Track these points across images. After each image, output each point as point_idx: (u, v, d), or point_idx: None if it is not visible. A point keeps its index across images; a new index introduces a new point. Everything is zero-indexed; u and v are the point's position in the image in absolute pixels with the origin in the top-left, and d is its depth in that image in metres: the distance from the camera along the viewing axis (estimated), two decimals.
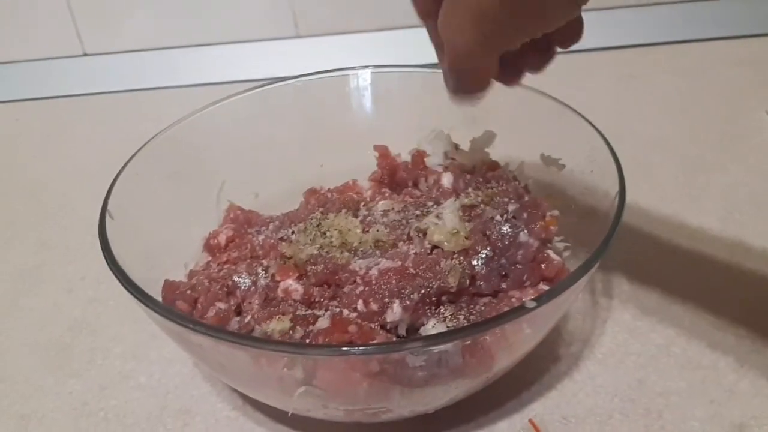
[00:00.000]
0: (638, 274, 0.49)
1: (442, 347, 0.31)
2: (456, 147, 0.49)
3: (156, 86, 0.80)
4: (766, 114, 0.65)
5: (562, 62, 0.83)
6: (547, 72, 0.78)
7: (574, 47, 0.78)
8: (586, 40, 0.86)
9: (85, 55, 0.81)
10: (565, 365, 0.44)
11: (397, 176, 0.49)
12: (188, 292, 0.39)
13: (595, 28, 0.82)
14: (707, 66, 0.75)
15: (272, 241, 0.43)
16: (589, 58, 0.78)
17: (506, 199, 0.39)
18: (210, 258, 0.44)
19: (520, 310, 0.31)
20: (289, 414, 0.36)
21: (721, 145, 0.63)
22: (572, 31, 0.36)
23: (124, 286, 0.34)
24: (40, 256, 0.57)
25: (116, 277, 0.35)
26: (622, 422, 0.40)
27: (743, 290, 0.47)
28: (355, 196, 0.46)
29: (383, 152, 0.49)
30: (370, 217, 0.43)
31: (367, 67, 0.52)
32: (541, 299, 0.31)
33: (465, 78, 0.34)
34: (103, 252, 0.36)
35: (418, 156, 0.49)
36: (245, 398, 0.43)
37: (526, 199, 0.40)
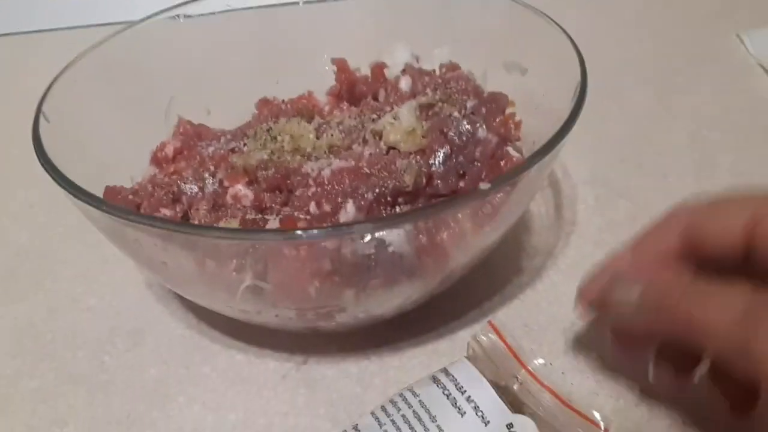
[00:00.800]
0: (604, 189, 0.48)
1: (394, 234, 0.29)
2: (417, 59, 0.47)
3: (111, 21, 0.76)
4: (737, 37, 0.64)
5: None
6: None
7: None
8: None
9: None
10: (528, 276, 0.42)
11: (356, 90, 0.47)
12: (130, 197, 0.37)
13: None
14: None
15: (223, 152, 0.41)
16: None
17: (465, 97, 0.38)
18: (157, 171, 0.42)
19: (475, 193, 0.29)
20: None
21: (692, 67, 0.61)
22: None
23: (58, 182, 0.32)
24: None
25: (49, 173, 0.33)
26: (585, 329, 0.39)
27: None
28: (310, 106, 0.44)
29: (342, 66, 0.47)
30: (325, 126, 0.41)
31: None
32: (496, 181, 0.29)
33: None
34: (35, 149, 0.34)
35: (378, 68, 0.47)
36: (200, 317, 0.41)
37: (485, 94, 0.38)
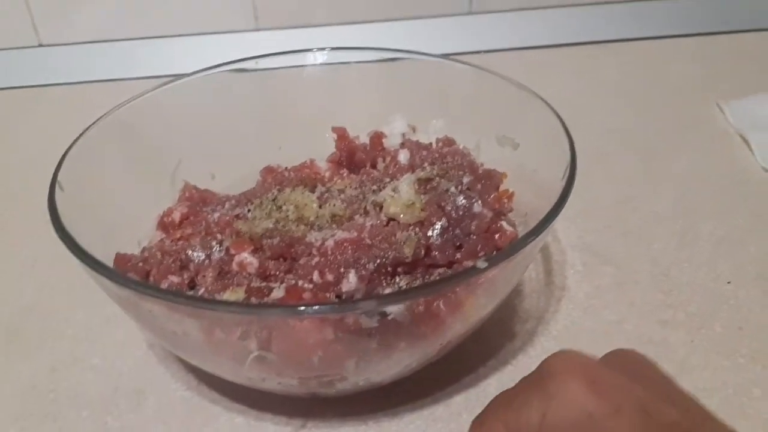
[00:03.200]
0: (592, 255, 0.50)
1: (395, 306, 0.31)
2: (413, 129, 0.50)
3: (111, 78, 0.79)
4: (717, 106, 0.67)
5: (518, 58, 0.85)
6: (506, 67, 0.79)
7: (531, 43, 0.79)
8: (540, 37, 0.88)
9: (41, 45, 0.80)
10: (520, 341, 0.44)
11: (355, 157, 0.49)
12: (140, 264, 0.38)
13: (551, 25, 0.83)
14: (660, 62, 0.77)
15: (227, 218, 0.42)
16: (545, 54, 0.80)
17: (461, 172, 0.40)
18: (164, 235, 0.43)
19: (472, 270, 0.31)
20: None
21: (674, 135, 0.64)
22: None
23: (73, 252, 0.33)
24: None
25: (65, 243, 0.34)
26: None
27: (693, 270, 0.48)
28: (312, 174, 0.46)
29: (341, 134, 0.50)
30: (327, 194, 0.43)
31: (323, 49, 0.52)
32: (493, 260, 0.31)
33: None
34: (52, 220, 0.35)
35: (376, 137, 0.49)
36: (200, 378, 0.42)
37: (480, 171, 0.40)
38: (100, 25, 0.79)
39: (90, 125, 0.44)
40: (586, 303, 0.47)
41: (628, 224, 0.53)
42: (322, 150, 0.51)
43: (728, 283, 0.47)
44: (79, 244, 0.33)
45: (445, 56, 0.50)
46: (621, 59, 0.78)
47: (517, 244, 0.32)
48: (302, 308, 0.30)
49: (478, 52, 0.79)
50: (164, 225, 0.44)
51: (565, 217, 0.50)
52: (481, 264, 0.31)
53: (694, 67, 0.76)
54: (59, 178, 0.39)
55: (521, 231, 0.42)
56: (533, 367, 0.42)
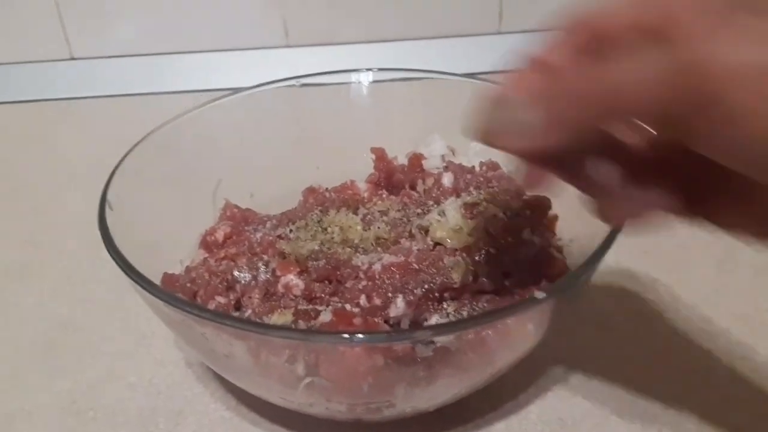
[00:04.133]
0: (630, 280, 0.50)
1: (450, 337, 0.31)
2: (452, 151, 0.50)
3: (143, 92, 0.79)
4: None
5: None
6: None
7: None
8: None
9: (73, 58, 0.80)
10: (563, 368, 0.44)
11: (394, 178, 0.49)
12: (188, 285, 0.38)
13: None
14: None
15: (270, 238, 0.42)
16: None
17: (508, 197, 0.40)
18: (206, 255, 0.43)
19: (531, 301, 0.31)
20: None
21: None
22: None
23: (126, 273, 0.33)
24: (27, 254, 0.56)
25: (118, 265, 0.34)
26: (618, 425, 0.40)
27: (732, 298, 0.48)
28: (354, 195, 0.46)
29: (380, 154, 0.50)
30: (369, 216, 0.43)
31: (370, 69, 0.52)
32: (551, 291, 0.31)
33: None
34: (104, 240, 0.36)
35: (415, 159, 0.49)
36: (240, 398, 0.42)
37: (528, 197, 0.40)
38: (133, 39, 0.80)
39: (134, 145, 0.44)
40: (630, 332, 0.46)
41: (667, 249, 0.53)
42: (359, 170, 0.51)
43: None
44: (132, 265, 0.33)
45: (483, 77, 0.50)
46: None
47: (573, 276, 0.32)
48: (358, 336, 0.30)
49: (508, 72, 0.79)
50: (207, 244, 0.44)
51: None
52: (539, 295, 0.30)
53: None
54: (108, 197, 0.39)
55: (567, 256, 0.42)
56: (575, 396, 0.42)
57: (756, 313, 0.47)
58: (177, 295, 0.36)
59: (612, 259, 0.50)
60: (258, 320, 0.36)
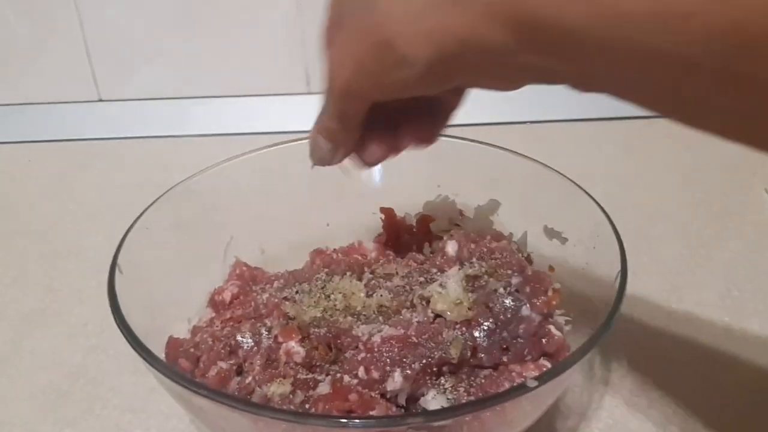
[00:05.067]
0: (636, 348, 0.50)
1: (441, 423, 0.31)
2: (461, 213, 0.50)
3: (168, 134, 0.81)
4: (766, 192, 0.66)
5: (569, 130, 0.85)
6: (554, 140, 0.79)
7: (582, 116, 0.79)
8: (591, 110, 0.88)
9: (101, 100, 0.83)
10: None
11: (401, 239, 0.49)
12: (191, 350, 0.39)
13: (602, 97, 0.83)
14: (709, 141, 0.76)
15: (276, 300, 0.43)
16: (595, 127, 0.80)
17: (509, 272, 0.40)
18: (214, 314, 0.44)
19: (521, 388, 0.31)
20: None
21: (721, 220, 0.64)
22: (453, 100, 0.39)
23: (131, 344, 0.34)
24: (46, 299, 0.58)
25: (123, 335, 0.35)
26: None
27: (739, 370, 0.48)
28: (360, 258, 0.47)
29: (389, 215, 0.50)
30: (374, 281, 0.44)
31: None
32: (543, 378, 0.31)
33: (334, 118, 0.36)
34: (111, 308, 0.37)
35: (423, 220, 0.50)
36: None
37: (529, 272, 0.40)
38: (159, 83, 0.82)
39: (148, 206, 0.45)
40: (629, 398, 0.46)
41: (674, 316, 0.53)
42: (368, 227, 0.52)
43: None
44: (137, 336, 0.34)
45: (498, 147, 0.51)
46: (668, 136, 0.78)
47: (567, 362, 0.32)
48: (347, 421, 0.31)
49: (524, 123, 0.80)
50: (215, 303, 0.45)
51: None
52: (531, 383, 0.31)
53: (741, 147, 0.75)
54: (119, 261, 0.40)
55: (567, 329, 0.42)
56: None
57: (763, 385, 0.46)
58: (173, 368, 0.37)
59: (619, 325, 0.51)
60: (257, 388, 0.37)
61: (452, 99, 0.39)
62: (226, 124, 0.80)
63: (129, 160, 0.78)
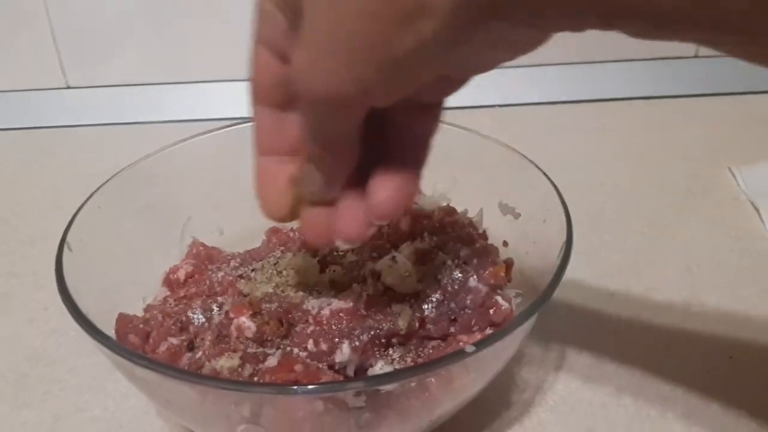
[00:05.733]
0: (594, 324, 0.50)
1: (382, 388, 0.31)
2: (419, 191, 0.50)
3: (137, 121, 0.81)
4: (729, 170, 0.67)
5: (532, 114, 0.85)
6: (518, 123, 0.79)
7: (543, 99, 0.79)
8: (556, 93, 0.89)
9: (68, 87, 0.82)
10: (516, 411, 0.44)
11: None
12: (141, 326, 0.39)
13: (566, 81, 0.84)
14: (673, 122, 0.77)
15: (231, 278, 0.43)
16: (558, 110, 0.80)
17: (458, 245, 0.40)
18: (168, 293, 0.44)
19: (459, 354, 0.31)
20: None
21: (685, 199, 0.64)
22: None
23: (75, 319, 0.35)
24: (8, 284, 0.57)
25: (67, 309, 0.35)
26: None
27: (695, 344, 0.48)
28: None
29: None
30: (329, 257, 0.44)
31: None
32: (480, 344, 0.31)
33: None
34: (57, 283, 0.37)
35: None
36: None
37: (478, 245, 0.41)
38: (127, 69, 0.82)
39: (101, 184, 0.45)
40: (586, 372, 0.47)
41: (631, 292, 0.53)
42: None
43: (730, 358, 0.47)
44: (81, 310, 0.35)
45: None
46: (633, 117, 0.78)
47: (506, 329, 0.32)
48: (291, 388, 0.31)
49: (492, 106, 0.80)
50: (169, 282, 0.45)
51: (570, 282, 0.50)
52: (469, 349, 0.31)
53: (708, 128, 0.76)
54: (69, 239, 0.40)
55: (517, 301, 0.42)
56: None
57: (718, 360, 0.47)
58: (116, 342, 0.37)
59: (578, 300, 0.52)
60: (207, 362, 0.37)
61: (433, 117, 0.32)
62: (196, 110, 0.80)
63: (96, 147, 0.78)
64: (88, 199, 0.44)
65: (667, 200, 0.64)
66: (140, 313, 0.43)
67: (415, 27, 0.23)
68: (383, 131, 0.30)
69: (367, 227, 0.31)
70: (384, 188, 0.30)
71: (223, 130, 0.52)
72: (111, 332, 0.40)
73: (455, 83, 0.30)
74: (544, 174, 0.44)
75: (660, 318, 0.51)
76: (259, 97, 0.33)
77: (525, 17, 0.24)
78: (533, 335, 0.49)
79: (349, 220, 0.31)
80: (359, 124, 0.28)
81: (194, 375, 0.34)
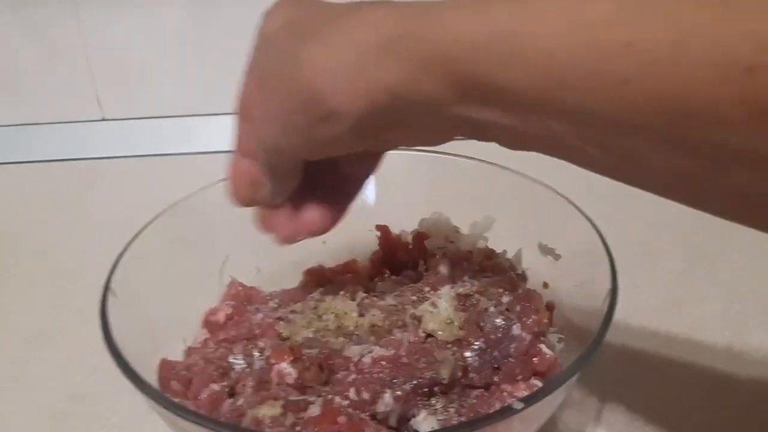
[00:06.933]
0: (635, 363, 0.49)
1: None
2: (456, 230, 0.50)
3: (171, 152, 0.82)
4: None
5: None
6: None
7: None
8: None
9: (104, 119, 0.84)
10: None
11: (396, 257, 0.49)
12: (183, 372, 0.39)
13: None
14: None
15: (270, 320, 0.43)
16: None
17: (500, 290, 0.40)
18: (209, 335, 0.45)
19: (507, 410, 0.31)
20: None
21: (723, 232, 0.63)
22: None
23: (120, 369, 0.35)
24: (48, 320, 0.58)
25: (113, 358, 0.35)
26: None
27: (740, 387, 0.47)
28: (353, 277, 0.47)
29: (385, 232, 0.50)
30: (367, 300, 0.44)
31: None
32: (529, 400, 0.31)
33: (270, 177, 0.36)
34: (103, 331, 0.37)
35: (419, 238, 0.50)
36: None
37: (521, 291, 0.40)
38: (162, 101, 0.83)
39: (142, 228, 0.46)
40: (627, 416, 0.46)
41: (673, 331, 0.52)
42: (364, 244, 0.52)
43: None
44: (127, 361, 0.35)
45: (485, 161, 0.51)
46: None
47: (553, 384, 0.32)
48: None
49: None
50: (209, 324, 0.45)
51: None
52: (517, 405, 0.31)
53: None
54: (112, 284, 0.40)
55: (560, 347, 0.42)
56: None
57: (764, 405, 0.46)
58: (160, 393, 0.36)
59: (618, 340, 0.51)
60: (248, 410, 0.37)
61: (368, 163, 0.39)
62: (229, 140, 0.80)
63: (133, 179, 0.79)
64: (130, 242, 0.44)
65: (706, 232, 0.63)
66: (181, 356, 0.44)
67: (328, 126, 0.30)
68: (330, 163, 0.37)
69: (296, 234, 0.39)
70: (311, 212, 0.39)
71: None
72: (152, 375, 0.40)
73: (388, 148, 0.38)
74: (585, 215, 0.43)
75: (702, 358, 0.49)
76: (242, 113, 0.39)
77: (414, 130, 0.31)
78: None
79: (284, 223, 0.39)
80: (295, 167, 0.35)
81: (236, 427, 0.34)
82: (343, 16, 0.30)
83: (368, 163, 0.39)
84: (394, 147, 0.37)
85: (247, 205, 0.40)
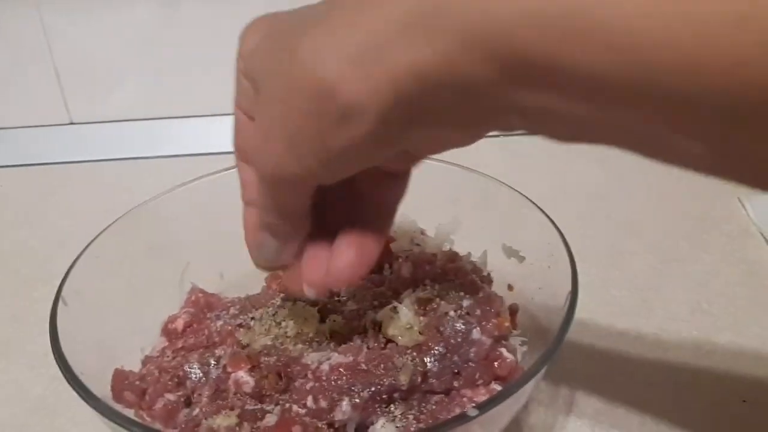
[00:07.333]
0: (603, 365, 0.49)
1: None
2: (422, 232, 0.50)
3: (140, 156, 0.81)
4: (738, 201, 0.65)
5: (540, 143, 0.84)
6: (526, 153, 0.78)
7: None
8: None
9: (72, 123, 0.82)
10: None
11: None
12: (137, 382, 0.38)
13: None
14: None
15: (230, 327, 0.42)
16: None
17: (461, 294, 0.39)
18: (167, 343, 0.44)
19: (462, 418, 0.30)
20: None
21: (695, 232, 0.63)
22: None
23: (67, 379, 0.34)
24: (10, 329, 0.57)
25: (60, 369, 0.35)
26: None
27: (707, 387, 0.47)
28: None
29: None
30: (329, 305, 0.43)
31: None
32: (485, 406, 0.30)
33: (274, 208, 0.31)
34: (51, 341, 0.36)
35: (385, 241, 0.49)
36: None
37: (481, 294, 0.40)
38: (130, 105, 0.82)
39: (98, 234, 0.45)
40: (595, 417, 0.45)
41: (642, 330, 0.52)
42: None
43: (743, 401, 0.46)
44: (75, 372, 0.34)
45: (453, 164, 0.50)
46: None
47: (510, 389, 0.31)
48: None
49: (496, 136, 0.79)
50: (168, 332, 0.44)
51: (576, 321, 0.49)
52: (472, 412, 0.30)
53: None
54: (64, 293, 0.39)
55: (523, 350, 0.41)
56: None
57: (730, 402, 0.46)
58: (108, 407, 0.35)
59: (587, 340, 0.51)
60: (204, 420, 0.36)
61: (397, 184, 0.34)
62: (198, 144, 0.79)
63: (101, 183, 0.77)
64: (84, 250, 0.43)
65: (677, 233, 0.63)
66: (139, 365, 0.43)
67: (346, 128, 0.25)
68: (352, 194, 0.33)
69: (328, 281, 0.33)
70: (344, 255, 0.32)
71: (219, 174, 0.51)
72: (106, 386, 0.39)
73: (416, 157, 0.32)
74: (549, 219, 0.43)
75: (671, 358, 0.49)
76: (240, 155, 0.35)
77: (450, 124, 0.26)
78: (540, 380, 0.48)
79: (314, 269, 0.34)
80: (307, 199, 0.30)
81: None
82: (344, 2, 0.25)
83: (397, 184, 0.34)
84: (422, 155, 0.32)
85: (266, 269, 0.36)
